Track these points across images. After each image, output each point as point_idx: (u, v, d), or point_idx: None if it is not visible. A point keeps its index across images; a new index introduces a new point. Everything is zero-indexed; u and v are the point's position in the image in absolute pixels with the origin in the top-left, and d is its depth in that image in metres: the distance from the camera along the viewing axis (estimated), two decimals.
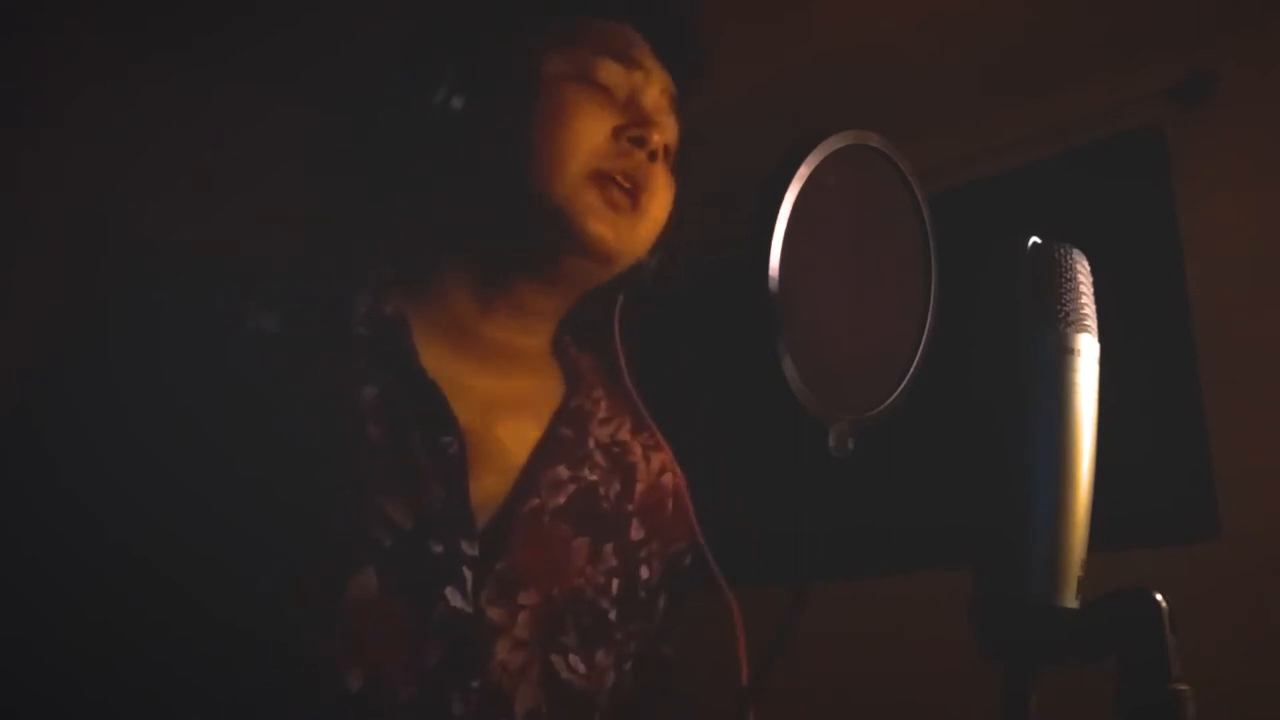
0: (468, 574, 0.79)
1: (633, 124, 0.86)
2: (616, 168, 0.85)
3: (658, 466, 0.98)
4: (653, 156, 0.87)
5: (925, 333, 0.77)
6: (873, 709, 2.26)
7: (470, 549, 0.80)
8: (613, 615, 0.89)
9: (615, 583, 0.89)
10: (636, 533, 0.93)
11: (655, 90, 0.90)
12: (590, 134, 0.85)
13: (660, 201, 0.90)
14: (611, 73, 0.87)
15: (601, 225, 0.85)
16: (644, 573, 0.93)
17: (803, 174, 0.69)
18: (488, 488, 0.83)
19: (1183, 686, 0.56)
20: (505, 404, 0.90)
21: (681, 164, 0.94)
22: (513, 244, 0.88)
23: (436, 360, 0.86)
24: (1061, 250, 0.65)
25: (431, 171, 0.90)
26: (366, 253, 0.93)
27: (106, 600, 0.76)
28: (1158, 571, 1.65)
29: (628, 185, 0.86)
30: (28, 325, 1.94)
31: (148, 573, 0.76)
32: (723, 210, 2.30)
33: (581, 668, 0.84)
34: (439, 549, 0.79)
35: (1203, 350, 2.15)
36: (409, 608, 0.77)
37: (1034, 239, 0.65)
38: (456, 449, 0.82)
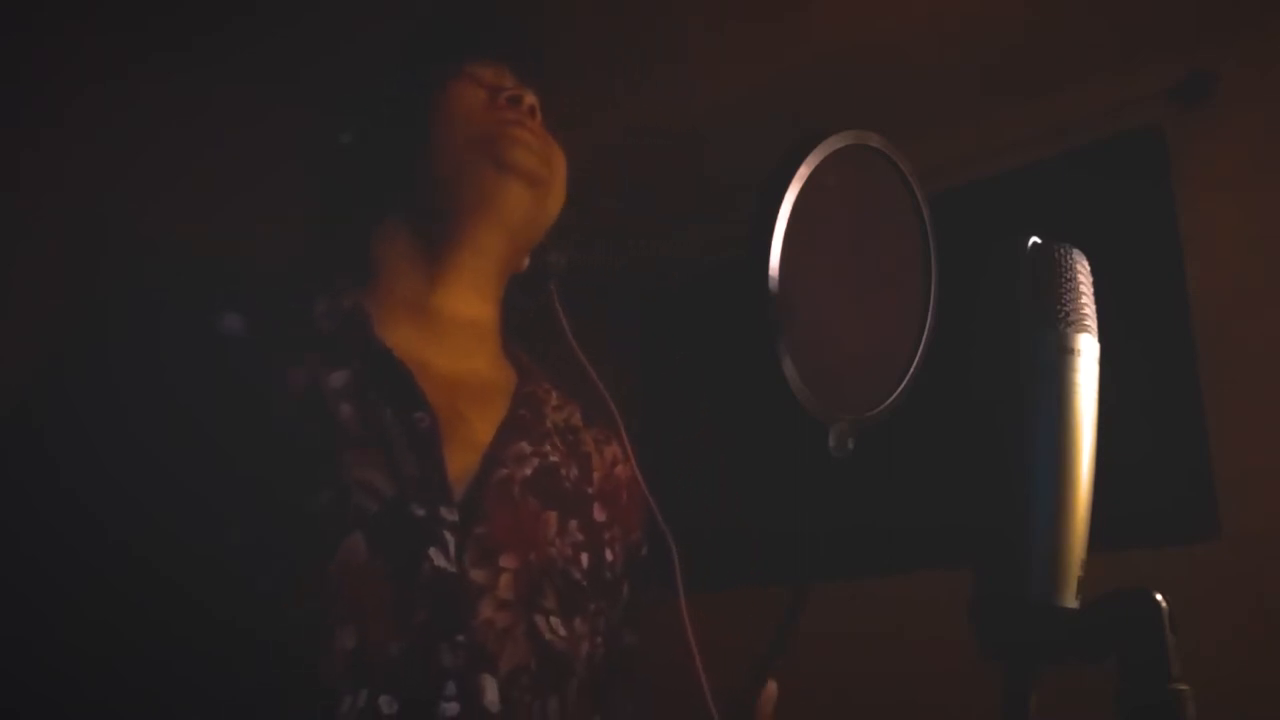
0: (449, 537, 0.82)
1: (504, 89, 1.00)
2: (506, 118, 0.97)
3: (610, 458, 1.03)
4: (532, 112, 1.00)
5: (925, 333, 0.77)
6: (873, 709, 2.26)
7: (449, 514, 0.83)
8: (585, 585, 0.91)
9: (584, 556, 0.92)
10: (599, 514, 0.96)
11: (509, 78, 1.03)
12: (471, 96, 0.99)
13: (559, 155, 1.02)
14: (471, 68, 1.02)
15: (525, 153, 0.96)
16: (608, 555, 0.96)
17: (803, 174, 0.70)
18: (460, 463, 0.87)
19: (1183, 686, 0.56)
20: (468, 386, 0.94)
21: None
22: (451, 186, 0.96)
23: (400, 343, 0.90)
24: (1061, 250, 0.65)
25: (357, 175, 1.02)
26: (318, 256, 1.03)
27: (106, 599, 0.77)
28: (1158, 571, 1.65)
29: (526, 129, 0.98)
30: (28, 325, 1.94)
31: (146, 569, 0.77)
32: (723, 210, 2.31)
33: (562, 631, 0.87)
34: (421, 512, 0.82)
35: (1203, 350, 2.15)
36: (396, 568, 0.79)
37: (1034, 239, 0.65)
38: (428, 424, 0.86)
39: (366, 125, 1.02)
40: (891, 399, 0.75)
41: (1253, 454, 2.04)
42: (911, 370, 0.76)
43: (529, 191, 0.97)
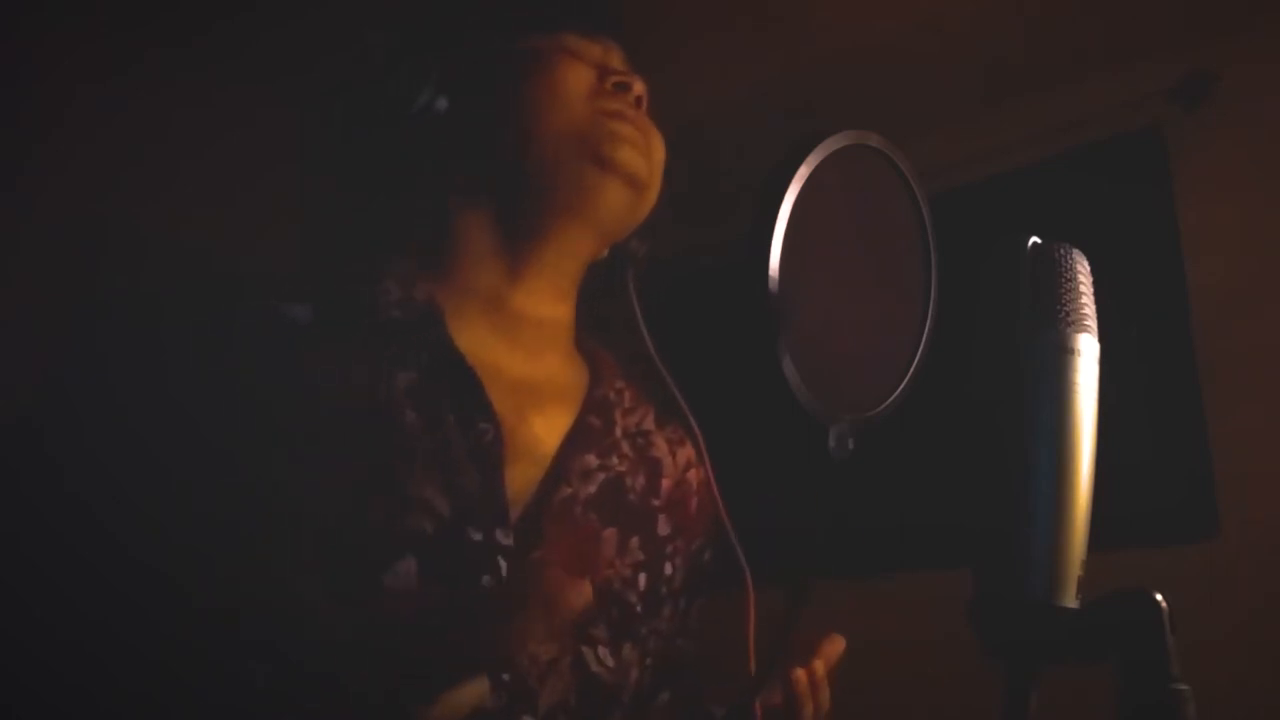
0: (503, 563, 0.79)
1: (612, 73, 0.93)
2: (613, 108, 0.91)
3: (684, 461, 0.98)
4: (638, 102, 0.94)
5: (925, 333, 0.77)
6: (872, 708, 2.26)
7: (505, 538, 0.79)
8: (639, 609, 0.88)
9: (641, 577, 0.89)
10: (663, 528, 0.92)
11: (617, 57, 0.96)
12: (579, 79, 0.91)
13: (659, 146, 0.95)
14: (579, 43, 0.94)
15: (629, 152, 0.90)
16: (667, 569, 0.92)
17: (803, 174, 0.69)
18: (521, 477, 0.83)
19: (1183, 686, 0.56)
20: (537, 390, 0.90)
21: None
22: (545, 179, 0.90)
23: (471, 342, 0.86)
24: (1061, 250, 0.65)
25: (444, 151, 0.93)
26: (389, 240, 0.95)
27: (129, 605, 0.75)
28: (1158, 571, 1.65)
29: (632, 122, 0.91)
30: (28, 326, 1.94)
31: (184, 585, 0.75)
32: (723, 210, 2.31)
33: (610, 661, 0.84)
34: (477, 536, 0.78)
35: (1202, 350, 2.15)
36: (447, 596, 0.76)
37: (1034, 239, 0.65)
38: (492, 436, 0.82)
39: (459, 92, 0.93)
40: (892, 399, 0.75)
41: (1253, 454, 2.04)
42: (912, 370, 0.76)
43: (629, 193, 0.91)
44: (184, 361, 0.81)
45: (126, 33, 2.24)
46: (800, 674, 0.85)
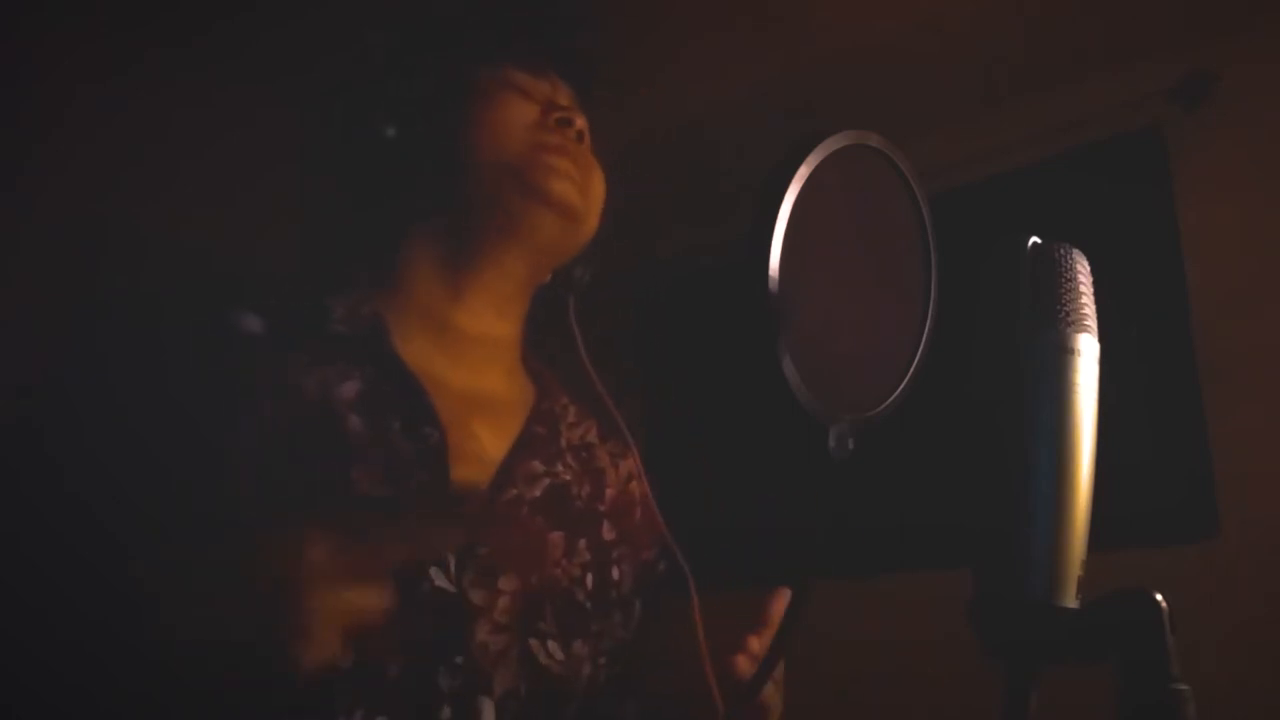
0: (450, 556, 0.81)
1: (556, 109, 0.97)
2: (552, 142, 0.95)
3: (625, 474, 1.02)
4: (579, 137, 0.97)
5: (926, 332, 0.77)
6: (873, 708, 2.26)
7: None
8: (589, 607, 0.91)
9: (589, 577, 0.92)
10: (608, 533, 0.96)
11: (564, 95, 1.00)
12: (522, 114, 0.96)
13: (599, 181, 0.99)
14: (527, 81, 0.99)
15: (562, 184, 0.94)
16: (614, 574, 0.95)
17: (803, 174, 0.69)
18: (468, 480, 0.86)
19: (1183, 686, 0.56)
20: (481, 403, 0.93)
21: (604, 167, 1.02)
22: (482, 206, 0.94)
23: (415, 356, 0.90)
24: (1061, 250, 0.65)
25: (393, 172, 0.97)
26: (340, 255, 1.00)
27: (129, 605, 0.75)
28: (1158, 571, 1.65)
29: (569, 157, 0.95)
30: (28, 325, 1.94)
31: (142, 573, 0.76)
32: (723, 210, 2.31)
33: (560, 654, 0.87)
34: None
35: (1202, 350, 2.15)
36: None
37: (1034, 239, 0.65)
38: (437, 439, 0.85)
39: (407, 123, 0.98)
40: (892, 399, 0.75)
41: (1253, 454, 2.04)
42: (912, 370, 0.76)
43: (560, 221, 0.95)
44: (184, 361, 0.82)
45: (126, 33, 2.24)
46: (741, 661, 0.89)
